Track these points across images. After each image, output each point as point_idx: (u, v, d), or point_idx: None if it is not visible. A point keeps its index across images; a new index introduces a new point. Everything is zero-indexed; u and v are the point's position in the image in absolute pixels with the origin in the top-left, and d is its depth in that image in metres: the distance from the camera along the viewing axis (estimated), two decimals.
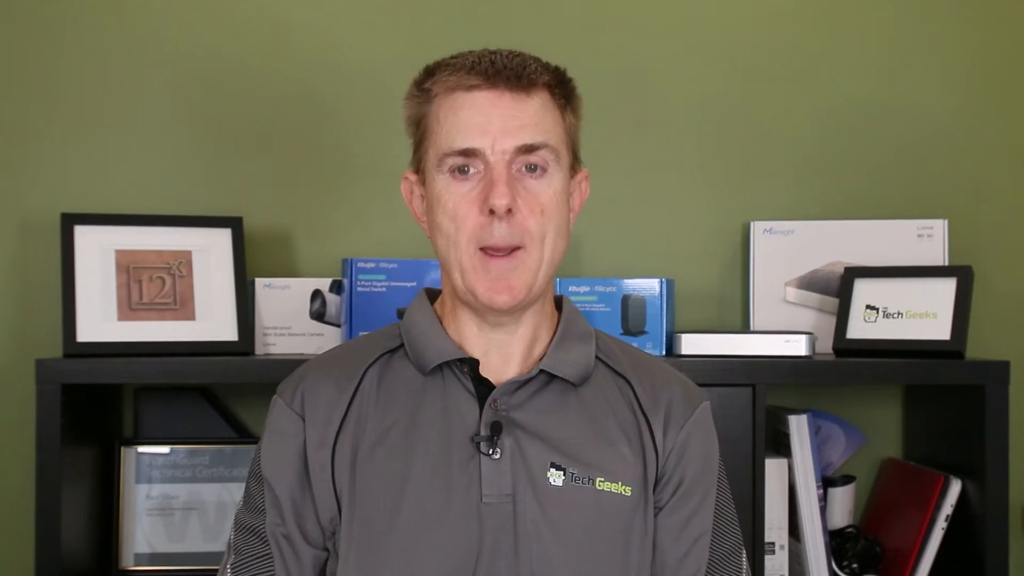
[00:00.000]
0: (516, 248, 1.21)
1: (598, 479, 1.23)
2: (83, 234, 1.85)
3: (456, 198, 1.21)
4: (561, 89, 1.26)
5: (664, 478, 1.28)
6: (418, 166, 1.28)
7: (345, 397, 1.26)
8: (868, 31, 2.09)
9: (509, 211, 1.19)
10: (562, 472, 1.22)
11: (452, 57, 1.25)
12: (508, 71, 1.21)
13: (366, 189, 2.04)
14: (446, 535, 1.20)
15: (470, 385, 1.25)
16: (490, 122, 1.20)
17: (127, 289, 1.85)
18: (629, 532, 1.24)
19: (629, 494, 1.24)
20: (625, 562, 1.23)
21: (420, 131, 1.26)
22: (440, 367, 1.26)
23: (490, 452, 1.22)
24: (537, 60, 1.25)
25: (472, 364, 1.25)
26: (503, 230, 1.20)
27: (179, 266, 1.88)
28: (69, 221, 1.85)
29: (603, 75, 2.05)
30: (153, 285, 1.87)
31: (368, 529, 1.21)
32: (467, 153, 1.20)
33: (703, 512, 1.29)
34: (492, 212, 1.19)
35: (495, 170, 1.20)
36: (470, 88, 1.21)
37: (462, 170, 1.21)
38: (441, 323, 1.29)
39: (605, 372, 1.31)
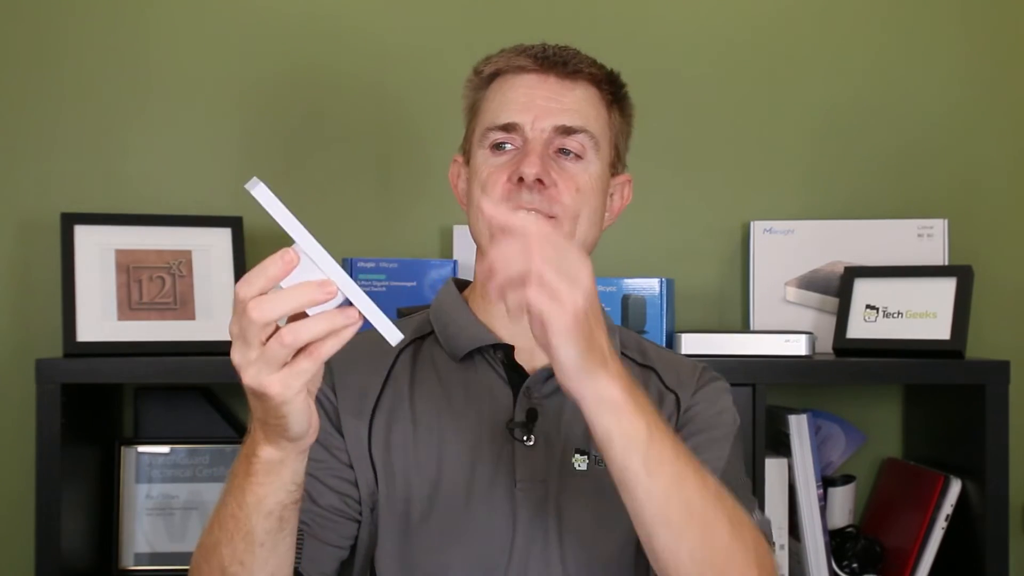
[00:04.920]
0: (549, 217, 1.23)
1: None
2: (83, 234, 1.85)
3: (490, 168, 1.25)
4: (609, 87, 1.31)
5: (683, 426, 1.29)
6: (466, 148, 1.32)
7: (378, 379, 1.27)
8: (867, 31, 2.09)
9: (540, 183, 1.22)
10: (586, 456, 1.24)
11: (509, 46, 1.31)
12: (557, 58, 1.26)
13: (366, 189, 2.04)
14: (480, 521, 1.21)
15: (502, 372, 1.26)
16: (533, 101, 1.25)
17: (127, 289, 1.85)
18: None
19: None
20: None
21: (472, 113, 1.32)
22: (472, 354, 1.27)
23: (524, 439, 1.23)
24: (590, 57, 1.30)
25: (507, 350, 1.26)
26: (533, 198, 1.22)
27: (179, 266, 1.88)
28: (69, 221, 1.85)
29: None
30: (153, 285, 1.87)
31: (404, 512, 1.22)
32: (507, 128, 1.25)
33: (716, 449, 1.27)
34: (521, 180, 1.21)
35: (530, 144, 1.23)
36: (519, 70, 1.26)
37: (501, 145, 1.25)
38: (471, 310, 1.30)
39: (629, 364, 1.33)
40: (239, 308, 0.91)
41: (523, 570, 1.20)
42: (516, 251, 0.92)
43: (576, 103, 1.26)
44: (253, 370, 0.91)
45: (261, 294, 0.90)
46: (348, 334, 0.90)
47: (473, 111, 1.31)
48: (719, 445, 1.27)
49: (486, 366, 1.27)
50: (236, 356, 0.92)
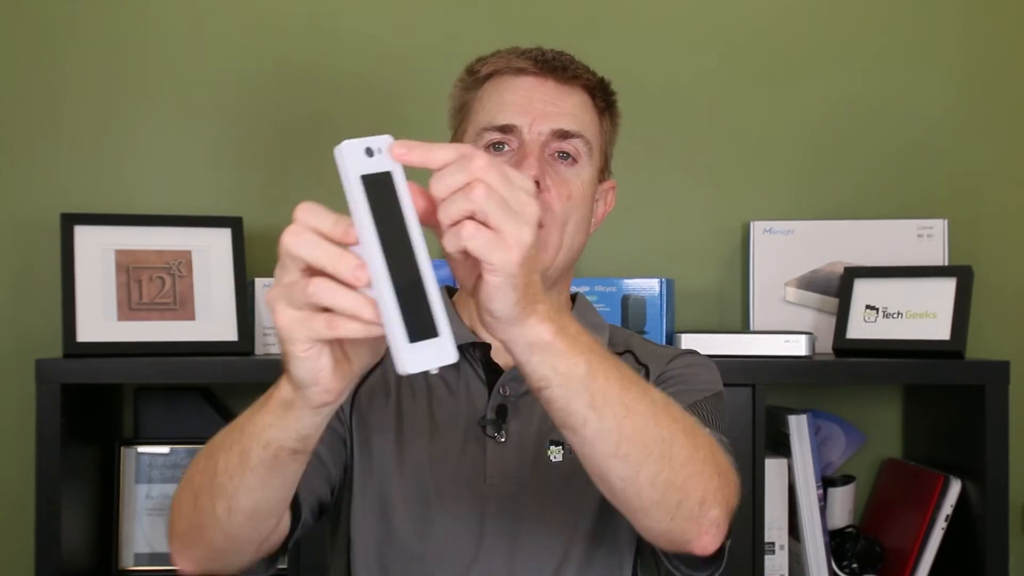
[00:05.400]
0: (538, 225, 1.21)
1: None
2: (83, 234, 1.85)
3: None
4: (602, 95, 1.32)
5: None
6: None
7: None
8: (867, 30, 2.09)
9: (536, 185, 1.21)
10: (560, 447, 1.25)
11: (504, 48, 1.31)
12: (555, 62, 1.27)
13: None
14: (450, 517, 1.22)
15: (480, 370, 1.28)
16: (531, 103, 1.25)
17: (127, 289, 1.85)
18: None
19: None
20: None
21: (462, 114, 1.31)
22: None
23: (495, 436, 1.24)
24: (584, 63, 1.31)
25: (484, 349, 1.27)
26: None
27: (179, 266, 1.88)
28: (69, 221, 1.85)
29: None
30: (153, 285, 1.87)
31: (377, 505, 1.24)
32: (505, 129, 1.25)
33: (682, 396, 1.21)
34: None
35: (528, 147, 1.24)
36: (518, 72, 1.27)
37: (497, 146, 1.25)
38: (456, 311, 1.33)
39: None
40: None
41: (490, 566, 1.21)
42: (457, 183, 0.82)
43: (573, 108, 1.27)
44: (275, 291, 0.85)
45: (314, 232, 0.83)
46: (370, 331, 0.81)
47: (464, 111, 1.31)
48: (685, 395, 1.21)
49: (467, 365, 1.28)
50: (276, 268, 0.87)
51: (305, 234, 0.83)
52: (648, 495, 0.97)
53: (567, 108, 1.26)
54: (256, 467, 0.97)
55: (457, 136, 1.31)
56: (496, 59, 1.29)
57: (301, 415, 0.93)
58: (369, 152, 0.82)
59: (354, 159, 0.81)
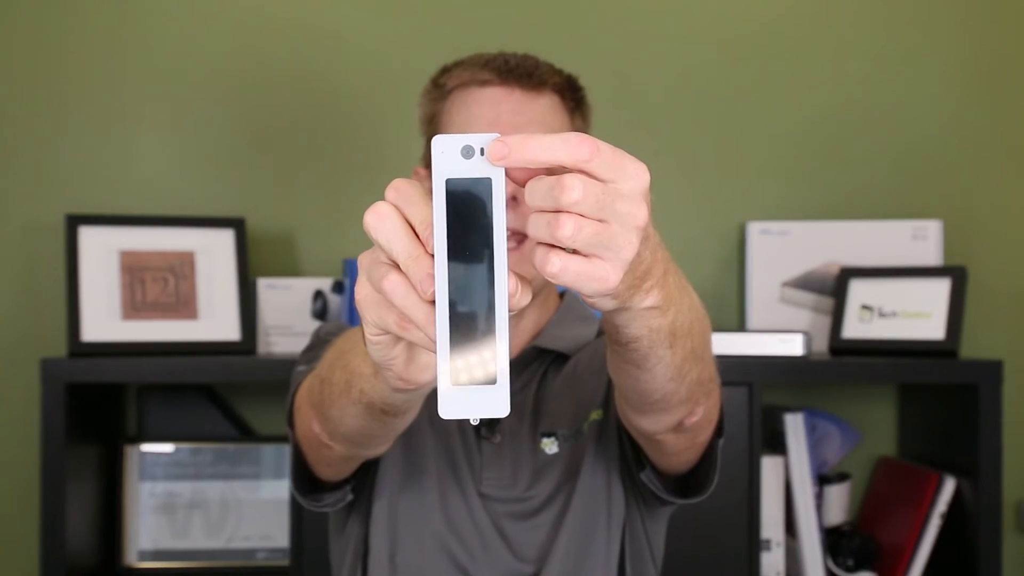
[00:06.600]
0: (519, 236, 1.20)
1: (584, 425, 1.26)
2: (87, 235, 1.87)
3: None
4: (571, 94, 1.30)
5: None
6: (428, 161, 1.32)
7: None
8: (863, 32, 2.11)
9: (514, 200, 1.19)
10: (554, 437, 1.26)
11: (468, 57, 1.30)
12: (520, 70, 1.25)
13: (368, 190, 2.05)
14: (448, 522, 1.23)
15: None
16: (499, 116, 1.24)
17: (131, 289, 1.87)
18: (606, 449, 1.26)
19: (601, 416, 1.27)
20: (609, 481, 1.25)
21: (432, 126, 1.31)
22: None
23: (490, 438, 1.25)
24: (549, 64, 1.29)
25: None
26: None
27: (182, 266, 1.90)
28: (74, 222, 1.87)
29: (598, 75, 2.05)
30: (156, 285, 1.88)
31: (382, 507, 1.25)
32: None
33: None
34: None
35: None
36: (483, 83, 1.26)
37: None
38: None
39: (596, 344, 1.33)
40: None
41: (492, 567, 1.23)
42: (546, 206, 0.70)
43: (542, 114, 1.26)
44: (365, 258, 0.76)
45: (401, 219, 0.73)
46: (426, 342, 0.73)
47: (434, 123, 1.31)
48: None
49: None
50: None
51: (390, 219, 0.72)
52: (680, 397, 0.98)
53: (536, 115, 1.25)
54: (356, 403, 0.96)
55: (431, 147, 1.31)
56: (460, 71, 1.28)
57: (384, 386, 0.87)
58: (467, 152, 0.69)
59: (445, 158, 0.69)
